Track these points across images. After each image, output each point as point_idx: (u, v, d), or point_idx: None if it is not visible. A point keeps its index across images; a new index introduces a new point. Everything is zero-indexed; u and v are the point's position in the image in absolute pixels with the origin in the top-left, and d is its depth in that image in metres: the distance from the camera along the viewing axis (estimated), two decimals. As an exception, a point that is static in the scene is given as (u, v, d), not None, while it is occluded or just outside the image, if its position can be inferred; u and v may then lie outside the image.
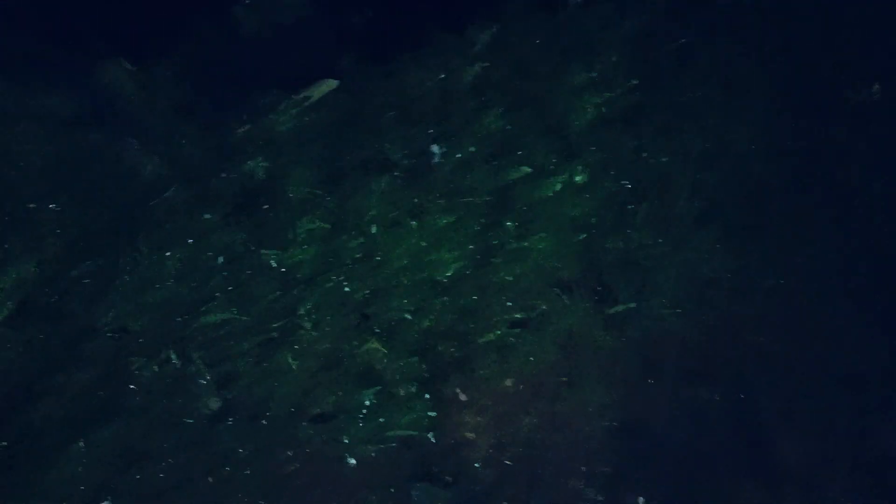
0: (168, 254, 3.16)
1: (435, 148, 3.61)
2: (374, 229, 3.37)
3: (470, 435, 3.06)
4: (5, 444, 2.77)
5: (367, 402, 2.98)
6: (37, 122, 3.38)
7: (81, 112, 3.47)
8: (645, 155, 3.72)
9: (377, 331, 3.18)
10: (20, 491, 2.69)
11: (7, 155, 3.26)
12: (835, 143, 3.69)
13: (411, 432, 2.87)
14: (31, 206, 3.22)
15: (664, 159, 3.74)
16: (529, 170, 3.60)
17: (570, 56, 3.97)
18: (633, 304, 3.28)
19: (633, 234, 3.48)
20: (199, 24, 3.97)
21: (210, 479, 2.81)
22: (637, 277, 3.36)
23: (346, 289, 3.24)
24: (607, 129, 3.79)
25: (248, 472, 2.87)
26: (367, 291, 3.28)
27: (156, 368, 3.00)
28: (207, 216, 3.27)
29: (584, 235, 3.55)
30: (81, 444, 2.78)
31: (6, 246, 3.09)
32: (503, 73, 3.94)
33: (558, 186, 3.56)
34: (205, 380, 2.96)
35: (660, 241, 3.48)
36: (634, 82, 3.88)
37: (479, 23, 4.06)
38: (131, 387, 2.98)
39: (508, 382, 3.21)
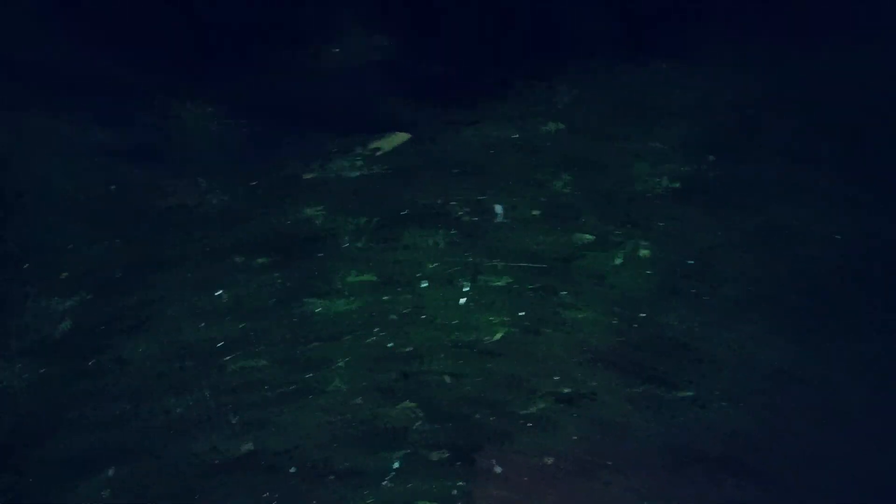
0: (215, 294, 3.20)
1: (498, 208, 3.53)
2: (423, 285, 3.32)
3: (498, 508, 2.95)
4: (33, 467, 2.85)
5: (396, 465, 2.92)
6: (96, 155, 3.50)
7: (144, 146, 3.57)
8: (713, 235, 3.52)
9: (414, 391, 3.12)
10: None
11: (65, 187, 3.39)
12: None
13: (438, 504, 2.79)
14: (86, 242, 3.33)
15: (733, 240, 3.53)
16: (592, 238, 3.47)
17: (647, 123, 3.82)
18: (689, 393, 3.08)
19: (693, 316, 3.29)
20: (276, 63, 4.04)
21: (232, 524, 2.81)
22: (693, 363, 3.17)
23: (389, 344, 3.20)
24: (678, 204, 3.61)
25: (271, 519, 2.85)
26: (410, 349, 3.23)
27: (188, 406, 3.03)
28: (260, 260, 3.29)
29: (644, 315, 3.38)
30: (110, 473, 2.82)
31: (60, 275, 3.21)
32: (578, 136, 3.83)
33: (619, 259, 3.41)
34: (235, 422, 2.97)
35: (720, 326, 3.27)
36: (711, 158, 3.68)
37: (561, 81, 3.97)
38: (161, 424, 3.01)
39: (548, 460, 3.08)
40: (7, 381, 2.96)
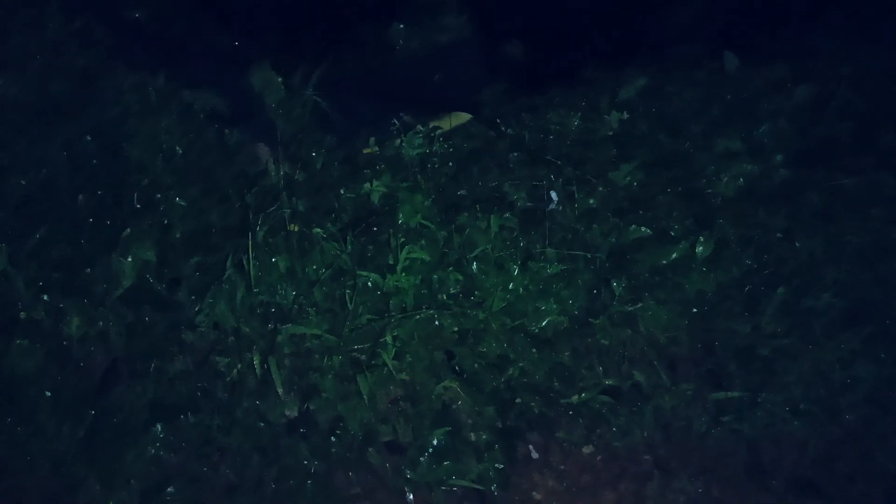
0: (273, 260, 3.28)
1: (553, 195, 3.51)
2: (474, 267, 3.32)
3: (537, 496, 2.95)
4: (91, 414, 2.98)
5: (436, 442, 2.95)
6: (181, 115, 3.61)
7: (223, 110, 3.66)
8: (788, 239, 3.42)
9: (458, 371, 3.14)
10: (99, 462, 2.88)
11: (150, 143, 3.51)
12: None
13: (477, 486, 2.80)
14: (159, 196, 3.44)
15: (808, 245, 3.43)
16: (649, 232, 3.42)
17: (719, 119, 3.73)
18: (737, 394, 3.02)
19: (761, 320, 3.21)
20: (351, 38, 4.08)
21: (273, 486, 2.88)
22: (753, 367, 3.10)
23: (437, 323, 3.22)
24: (746, 204, 3.53)
25: (310, 484, 2.92)
26: (456, 329, 3.24)
27: (240, 369, 3.12)
28: (318, 230, 3.35)
29: (696, 311, 3.31)
30: (160, 428, 2.93)
31: (130, 230, 3.33)
32: (645, 128, 3.77)
33: (675, 255, 3.35)
34: (284, 389, 3.05)
35: (788, 332, 3.18)
36: (780, 158, 3.57)
37: (632, 70, 3.91)
38: (215, 383, 3.11)
39: (587, 450, 3.06)
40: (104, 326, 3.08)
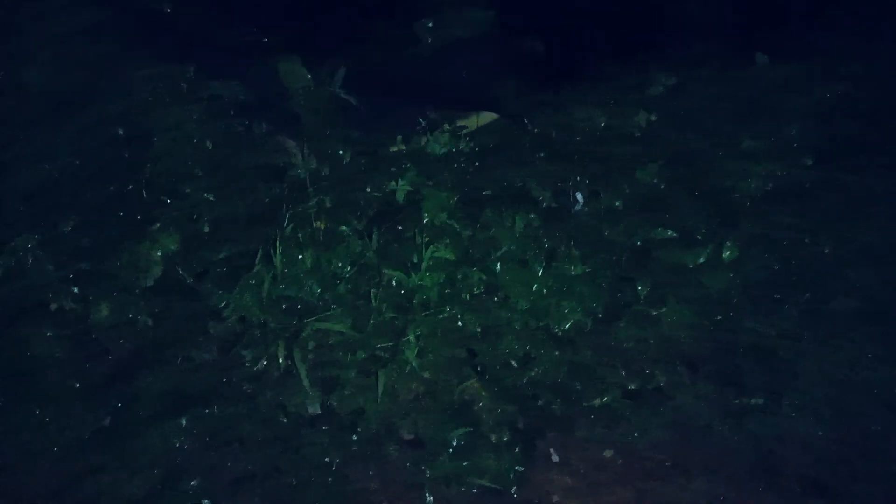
0: (300, 256, 3.30)
1: (579, 195, 3.50)
2: (498, 267, 3.33)
3: (556, 497, 2.96)
4: (118, 404, 3.02)
5: (455, 442, 2.96)
6: (208, 106, 3.64)
7: (249, 102, 3.69)
8: (808, 240, 3.39)
9: (480, 370, 3.15)
10: (117, 451, 2.93)
11: (173, 132, 3.55)
12: None
13: (496, 486, 2.81)
14: (188, 190, 3.48)
15: (830, 248, 3.40)
16: (675, 234, 3.40)
17: (745, 119, 3.70)
18: (760, 400, 3.00)
19: (779, 322, 3.19)
20: (377, 35, 4.08)
21: (293, 478, 2.91)
22: (773, 370, 3.09)
23: (459, 322, 3.23)
24: (772, 206, 3.50)
25: (330, 479, 2.94)
26: (479, 328, 3.25)
27: (264, 362, 3.15)
28: (343, 227, 3.37)
29: (721, 317, 3.30)
30: (183, 420, 2.97)
31: (158, 224, 3.37)
32: (671, 127, 3.74)
33: (702, 258, 3.34)
34: (307, 383, 3.07)
35: (808, 335, 3.16)
36: (809, 161, 3.54)
37: (657, 69, 3.88)
38: (239, 376, 3.14)
39: (608, 453, 3.06)
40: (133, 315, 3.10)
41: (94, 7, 4.01)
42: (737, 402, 3.14)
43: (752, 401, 3.13)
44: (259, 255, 3.19)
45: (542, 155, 3.56)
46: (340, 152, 3.52)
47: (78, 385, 3.16)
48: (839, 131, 3.60)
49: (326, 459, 3.09)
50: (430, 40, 4.01)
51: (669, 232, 3.25)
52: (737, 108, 3.77)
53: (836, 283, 3.21)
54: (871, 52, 3.86)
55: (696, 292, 3.24)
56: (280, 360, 3.13)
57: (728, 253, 3.21)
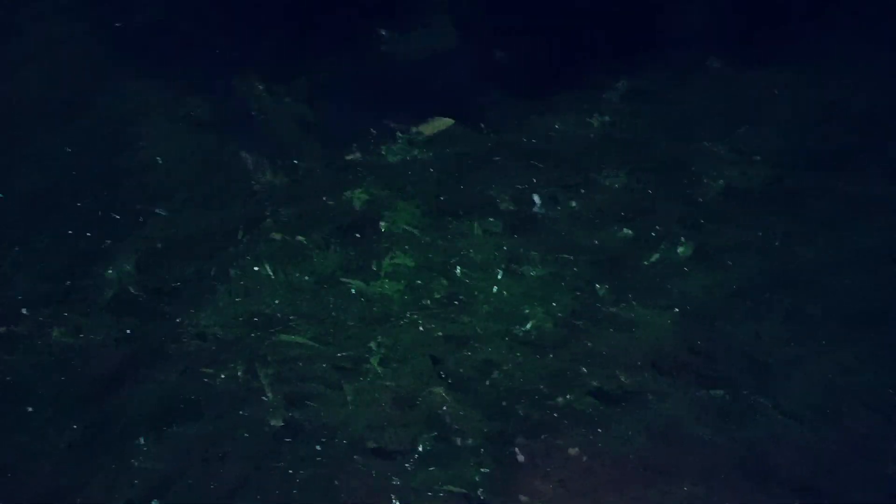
0: (256, 269, 3.27)
1: (536, 198, 3.52)
2: (458, 272, 3.33)
3: (524, 499, 2.95)
4: (76, 427, 2.97)
5: (421, 448, 2.95)
6: (162, 122, 3.60)
7: (208, 117, 3.66)
8: (778, 243, 3.43)
9: (444, 376, 3.14)
10: (84, 475, 2.87)
11: (131, 149, 3.51)
12: None
13: (464, 491, 2.80)
14: (139, 206, 3.44)
15: (802, 250, 3.43)
16: (631, 233, 3.43)
17: (704, 122, 3.74)
18: (721, 392, 3.03)
19: (754, 324, 3.22)
20: (334, 46, 4.08)
21: (258, 496, 2.87)
22: (743, 370, 3.11)
23: (421, 329, 3.22)
24: (734, 207, 3.54)
25: (296, 493, 2.91)
26: (441, 334, 3.24)
27: (224, 378, 3.11)
28: (301, 238, 3.35)
29: (679, 312, 3.32)
30: (143, 441, 2.92)
31: (109, 241, 3.32)
32: (630, 130, 3.78)
33: (656, 256, 3.36)
34: (270, 398, 3.04)
35: (784, 336, 3.19)
36: (759, 158, 3.58)
37: (614, 75, 3.92)
38: (201, 394, 3.10)
39: (573, 451, 3.06)
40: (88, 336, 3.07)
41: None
42: (704, 399, 3.16)
43: (719, 397, 3.15)
44: (215, 271, 3.15)
45: (500, 159, 3.57)
46: (296, 163, 3.50)
47: (31, 409, 3.09)
48: (793, 134, 3.65)
49: (292, 472, 3.05)
50: (388, 50, 4.01)
51: (627, 231, 3.28)
52: (692, 111, 3.82)
53: (815, 287, 3.24)
54: (821, 56, 3.93)
55: (657, 292, 3.26)
56: (241, 376, 3.09)
57: (683, 249, 3.24)
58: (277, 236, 3.26)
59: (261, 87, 3.69)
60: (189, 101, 3.79)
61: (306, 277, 3.20)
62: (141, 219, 3.39)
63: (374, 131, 3.52)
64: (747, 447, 3.17)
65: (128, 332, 3.21)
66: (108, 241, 3.20)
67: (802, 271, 3.31)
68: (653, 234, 3.35)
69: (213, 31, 4.30)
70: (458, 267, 3.19)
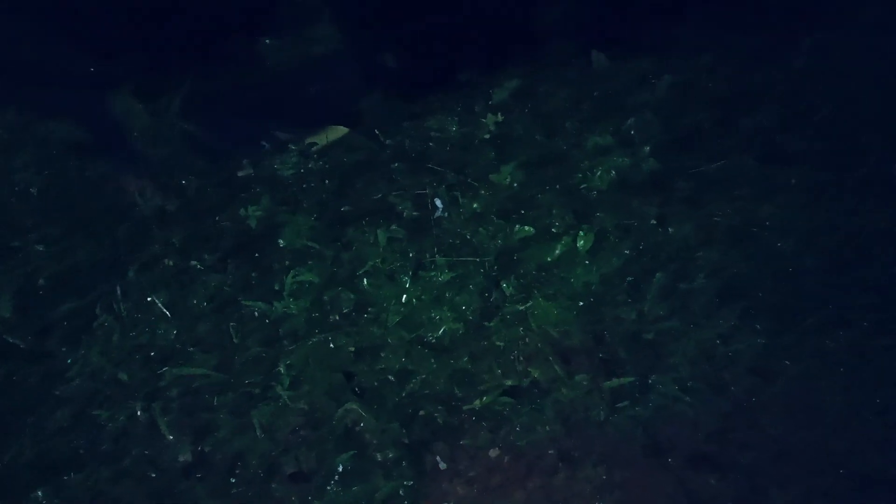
0: (149, 299, 3.09)
1: (438, 202, 3.49)
2: (365, 283, 3.26)
3: (449, 505, 2.91)
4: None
5: (341, 468, 2.86)
6: (33, 149, 3.35)
7: (85, 141, 3.43)
8: (662, 226, 3.54)
9: (358, 392, 3.06)
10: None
11: (1, 181, 3.25)
12: (879, 224, 3.45)
13: (386, 506, 2.74)
14: (15, 244, 3.19)
15: (684, 231, 3.55)
16: (532, 230, 3.45)
17: (591, 115, 3.81)
18: (631, 378, 3.09)
19: (644, 306, 3.30)
20: (216, 57, 3.92)
21: (174, 537, 2.71)
22: (644, 353, 3.19)
23: (331, 346, 3.13)
24: (623, 196, 3.62)
25: (214, 529, 2.77)
26: (352, 349, 3.17)
27: (123, 419, 2.92)
28: (194, 262, 3.19)
29: (583, 303, 3.37)
30: (41, 494, 2.71)
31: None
32: (522, 128, 3.80)
33: (558, 251, 3.40)
34: (175, 433, 2.88)
35: (673, 316, 3.29)
36: (648, 148, 3.69)
37: (503, 74, 3.93)
38: (98, 438, 2.90)
39: (493, 453, 3.05)
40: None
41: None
42: (611, 386, 3.23)
43: (626, 385, 3.22)
44: (104, 305, 2.95)
45: (398, 165, 3.52)
46: (184, 183, 3.33)
47: None
48: (685, 121, 3.77)
49: (206, 509, 2.91)
50: (274, 59, 3.88)
51: (528, 229, 3.30)
52: (579, 106, 3.88)
53: (699, 264, 3.36)
54: (706, 45, 4.07)
55: (559, 285, 3.29)
56: (140, 414, 2.92)
57: (582, 243, 3.29)
58: (169, 262, 3.09)
59: (139, 105, 3.49)
60: (61, 125, 3.54)
61: (204, 304, 3.05)
62: (20, 255, 3.14)
63: (266, 145, 3.39)
64: (643, 426, 3.27)
65: (11, 378, 2.96)
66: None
67: (677, 249, 3.45)
68: (553, 230, 3.39)
69: (82, 49, 4.05)
70: (365, 279, 3.13)
